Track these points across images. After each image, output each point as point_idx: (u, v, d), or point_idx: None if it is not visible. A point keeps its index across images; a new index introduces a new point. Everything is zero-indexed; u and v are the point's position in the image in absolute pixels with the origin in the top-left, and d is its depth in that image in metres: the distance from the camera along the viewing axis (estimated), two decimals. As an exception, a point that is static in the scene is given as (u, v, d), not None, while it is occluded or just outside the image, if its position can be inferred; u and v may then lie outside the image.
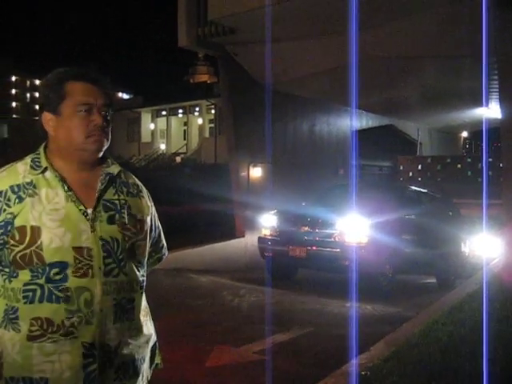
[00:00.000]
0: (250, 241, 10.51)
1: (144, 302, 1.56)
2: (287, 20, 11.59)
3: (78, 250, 1.39)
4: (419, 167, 29.03)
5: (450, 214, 9.77)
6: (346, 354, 4.12)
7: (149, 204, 1.61)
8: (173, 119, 39.64)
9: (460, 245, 9.41)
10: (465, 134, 36.30)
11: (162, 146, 39.00)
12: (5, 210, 1.40)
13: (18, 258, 1.38)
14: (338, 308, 6.43)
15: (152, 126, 40.05)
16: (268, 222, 8.37)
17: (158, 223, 1.68)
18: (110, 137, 1.50)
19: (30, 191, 1.42)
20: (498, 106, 13.68)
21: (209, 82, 40.78)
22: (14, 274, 1.40)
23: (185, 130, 39.07)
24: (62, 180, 1.45)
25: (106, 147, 1.50)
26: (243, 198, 13.59)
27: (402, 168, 29.37)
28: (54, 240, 1.38)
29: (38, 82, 71.79)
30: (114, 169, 1.54)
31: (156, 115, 40.17)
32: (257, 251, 8.62)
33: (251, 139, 13.78)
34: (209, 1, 12.11)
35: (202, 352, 4.61)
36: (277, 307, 6.43)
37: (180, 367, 4.14)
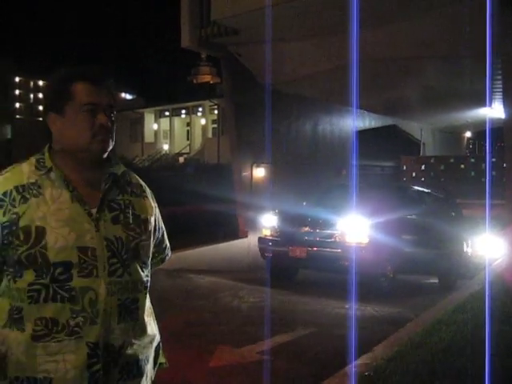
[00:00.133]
0: (252, 241, 10.50)
1: (148, 303, 1.57)
2: (289, 20, 11.61)
3: (82, 249, 1.40)
4: (422, 167, 29.00)
5: (453, 214, 9.73)
6: (348, 355, 4.12)
7: (152, 204, 1.61)
8: (176, 120, 39.67)
9: (462, 245, 9.38)
10: (468, 134, 36.24)
11: (165, 147, 39.04)
12: (9, 211, 1.40)
13: (22, 257, 1.38)
14: (340, 309, 6.42)
15: (155, 127, 40.09)
16: (268, 222, 8.35)
17: (162, 224, 1.69)
18: (114, 137, 1.51)
19: (34, 191, 1.43)
20: (502, 106, 13.66)
21: (212, 82, 40.81)
22: (19, 274, 1.40)
23: (188, 131, 39.10)
24: (67, 180, 1.45)
25: (110, 148, 1.50)
26: (246, 199, 13.61)
27: (405, 168, 29.35)
28: (58, 240, 1.38)
29: (41, 82, 72.03)
30: (118, 169, 1.54)
31: (159, 115, 40.21)
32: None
33: (254, 139, 13.81)
34: (211, 2, 12.14)
35: (205, 352, 4.62)
36: (279, 308, 6.43)
37: (182, 367, 4.15)
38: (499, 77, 12.16)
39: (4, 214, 1.40)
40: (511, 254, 8.91)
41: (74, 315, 1.38)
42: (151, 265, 1.61)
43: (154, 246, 1.63)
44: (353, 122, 21.13)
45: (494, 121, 20.06)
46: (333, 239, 7.45)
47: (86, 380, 1.38)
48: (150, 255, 1.58)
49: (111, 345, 1.41)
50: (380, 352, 4.27)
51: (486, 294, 5.35)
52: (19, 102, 71.98)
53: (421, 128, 28.60)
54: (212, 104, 34.83)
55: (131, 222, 1.50)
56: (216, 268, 9.45)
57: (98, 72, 1.50)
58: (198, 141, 37.88)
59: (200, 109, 37.41)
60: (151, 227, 1.57)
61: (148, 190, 1.63)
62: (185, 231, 11.03)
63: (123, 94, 64.02)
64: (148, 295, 1.56)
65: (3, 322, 1.41)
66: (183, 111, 38.96)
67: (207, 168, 26.77)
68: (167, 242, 1.75)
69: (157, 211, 1.64)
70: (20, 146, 33.34)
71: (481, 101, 17.98)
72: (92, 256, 1.41)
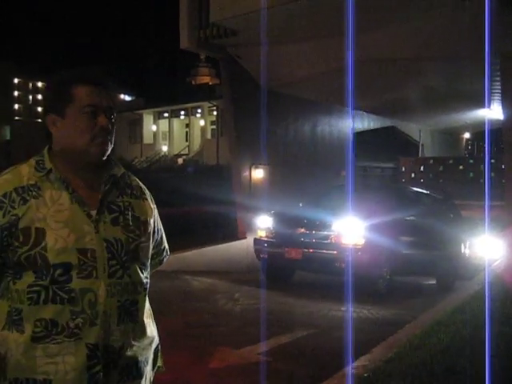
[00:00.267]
0: (251, 243, 10.52)
1: (147, 304, 1.57)
2: (288, 22, 11.62)
3: (82, 251, 1.40)
4: (421, 168, 29.05)
5: (451, 215, 9.71)
6: (347, 356, 4.12)
7: (152, 206, 1.61)
8: (175, 121, 39.70)
9: (460, 246, 9.37)
10: (467, 135, 36.29)
11: (164, 148, 39.06)
12: (9, 212, 1.40)
13: (22, 259, 1.38)
14: (337, 311, 6.41)
15: (154, 128, 40.11)
16: (264, 223, 8.30)
17: (160, 226, 1.69)
18: (113, 140, 1.51)
19: (34, 193, 1.43)
20: (501, 107, 13.67)
21: (210, 83, 40.87)
22: (18, 276, 1.40)
23: (187, 132, 39.13)
24: (66, 182, 1.45)
25: (109, 150, 1.50)
26: (245, 200, 13.60)
27: (404, 169, 29.38)
28: (58, 241, 1.38)
29: (40, 84, 72.06)
30: (118, 171, 1.54)
31: (158, 117, 40.24)
32: (258, 253, 8.59)
33: (253, 141, 13.80)
34: (210, 3, 12.14)
35: (204, 354, 4.62)
36: (277, 309, 6.43)
37: (182, 369, 4.15)
38: (498, 78, 12.19)
39: (4, 215, 1.40)
40: (510, 256, 8.92)
41: (74, 317, 1.38)
42: (150, 266, 1.61)
43: (153, 248, 1.63)
44: (352, 124, 21.16)
45: (492, 122, 20.09)
46: (329, 241, 7.41)
47: (86, 381, 1.38)
48: (150, 257, 1.58)
49: (111, 346, 1.41)
50: (378, 353, 4.27)
51: (486, 294, 5.36)
52: (18, 103, 72.01)
53: (419, 129, 28.63)
54: (211, 105, 34.87)
55: (131, 223, 1.50)
56: (215, 269, 9.45)
57: (98, 74, 1.50)
58: (196, 142, 37.91)
59: (199, 110, 37.45)
60: (150, 229, 1.57)
61: (147, 192, 1.63)
62: (184, 232, 11.04)
63: (122, 95, 64.05)
64: (147, 297, 1.56)
65: (2, 323, 1.41)
66: (182, 112, 39.00)
67: (206, 169, 26.79)
68: (166, 243, 1.76)
69: (156, 213, 1.64)
70: (19, 148, 33.34)
71: (480, 102, 18.00)
72: (91, 257, 1.41)
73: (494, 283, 6.71)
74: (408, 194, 9.69)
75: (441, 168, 28.55)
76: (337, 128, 19.01)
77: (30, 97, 73.51)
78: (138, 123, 40.12)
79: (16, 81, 71.52)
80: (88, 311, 1.38)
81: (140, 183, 1.63)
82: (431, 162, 29.20)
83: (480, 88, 12.74)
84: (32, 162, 1.49)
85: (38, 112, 66.58)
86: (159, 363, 1.63)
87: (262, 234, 8.27)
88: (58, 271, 1.38)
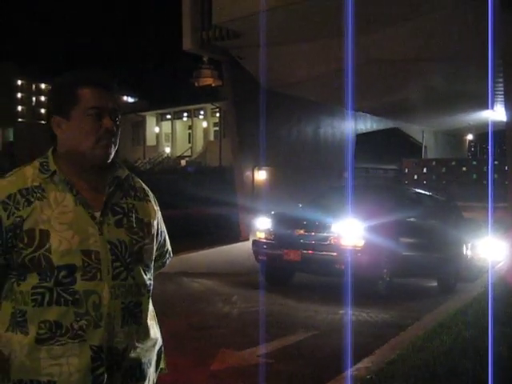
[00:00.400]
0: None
1: (151, 306, 1.57)
2: (290, 23, 11.62)
3: (86, 253, 1.40)
4: (424, 170, 28.97)
5: (453, 216, 9.66)
6: (349, 358, 4.12)
7: (155, 208, 1.62)
8: (177, 123, 39.72)
9: (462, 248, 9.31)
10: (470, 136, 36.21)
11: (167, 150, 39.08)
12: (13, 214, 1.40)
13: (26, 261, 1.39)
14: (337, 313, 6.40)
15: (157, 130, 40.14)
16: (262, 224, 8.23)
17: (164, 228, 1.69)
18: (118, 142, 1.52)
19: (38, 195, 1.43)
20: (503, 109, 13.65)
21: (213, 85, 40.86)
22: (22, 278, 1.41)
23: (189, 134, 39.15)
24: (71, 183, 1.46)
25: (113, 153, 1.50)
26: (248, 201, 13.60)
27: (406, 171, 29.32)
28: (62, 243, 1.39)
29: (43, 85, 72.21)
30: (122, 173, 1.55)
31: (161, 119, 40.27)
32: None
33: (255, 142, 13.80)
34: (213, 5, 12.16)
35: (207, 355, 4.62)
36: (278, 311, 6.44)
37: (185, 370, 4.16)
38: (501, 79, 12.16)
39: (8, 217, 1.40)
40: (513, 257, 8.89)
41: (78, 318, 1.38)
42: (153, 268, 1.62)
43: (156, 250, 1.63)
44: (354, 125, 21.15)
45: (495, 123, 20.06)
46: (328, 242, 7.34)
47: (90, 383, 1.38)
48: (153, 259, 1.59)
49: (115, 348, 1.41)
50: (381, 355, 4.27)
51: (489, 296, 5.35)
52: (21, 105, 72.17)
53: (422, 131, 28.56)
54: (214, 107, 34.89)
55: (134, 225, 1.50)
56: (217, 271, 9.46)
57: (103, 76, 1.51)
58: (199, 144, 37.93)
59: (202, 112, 37.46)
60: (154, 231, 1.58)
61: (151, 194, 1.64)
62: (186, 234, 11.04)
63: (125, 97, 64.14)
64: (151, 299, 1.57)
65: (6, 325, 1.41)
66: (185, 114, 39.03)
67: (209, 171, 26.80)
68: (169, 245, 1.76)
69: (159, 215, 1.64)
70: (22, 149, 33.40)
71: (482, 103, 17.97)
72: (96, 259, 1.41)
73: (497, 285, 6.69)
74: (409, 195, 9.64)
75: (444, 169, 28.47)
76: (340, 129, 19.00)
77: (33, 98, 73.65)
78: (140, 125, 40.17)
79: (19, 82, 71.70)
80: (92, 313, 1.39)
81: (143, 185, 1.63)
82: (434, 163, 29.12)
83: (482, 89, 12.71)
84: (36, 163, 1.49)
85: (41, 114, 66.72)
86: (162, 365, 1.64)
87: (260, 235, 8.18)
88: (62, 273, 1.38)
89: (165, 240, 1.72)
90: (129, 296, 1.45)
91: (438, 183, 26.79)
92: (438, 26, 11.57)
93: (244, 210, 13.57)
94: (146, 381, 1.52)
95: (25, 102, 72.72)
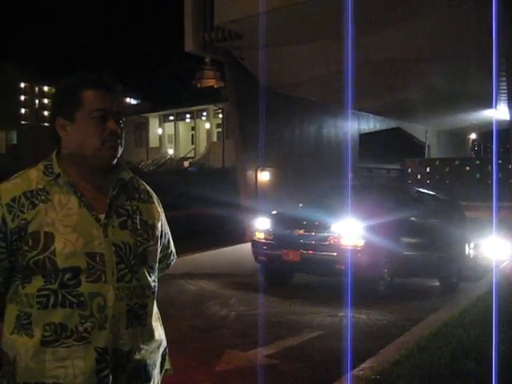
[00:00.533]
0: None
1: (155, 308, 1.57)
2: (291, 24, 11.63)
3: (90, 255, 1.41)
4: (427, 169, 28.93)
5: (456, 216, 9.58)
6: (355, 358, 4.12)
7: (159, 210, 1.62)
8: (180, 124, 39.77)
9: (464, 247, 9.25)
10: (473, 135, 36.14)
11: (170, 151, 39.13)
12: (18, 216, 1.41)
13: (31, 263, 1.39)
14: (338, 314, 6.37)
15: (160, 131, 40.20)
16: (262, 225, 8.18)
17: (167, 229, 1.69)
18: (123, 143, 1.52)
19: (43, 197, 1.43)
20: (507, 108, 13.62)
21: (216, 86, 40.88)
22: (27, 280, 1.41)
23: (192, 135, 39.19)
24: (75, 186, 1.46)
25: (119, 154, 1.51)
26: (251, 202, 13.61)
27: (410, 171, 29.28)
28: (67, 245, 1.39)
29: (46, 88, 72.45)
30: (126, 175, 1.55)
31: (163, 120, 40.33)
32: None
33: (258, 143, 13.81)
34: (215, 6, 12.18)
35: (212, 356, 4.62)
36: (281, 312, 6.44)
37: (190, 371, 4.16)
38: (504, 78, 12.14)
39: (13, 219, 1.40)
40: (518, 256, 8.87)
41: (83, 321, 1.38)
42: (157, 270, 1.62)
43: (160, 252, 1.63)
44: (357, 125, 21.14)
45: (499, 122, 20.01)
46: (328, 242, 7.29)
47: (95, 385, 1.38)
48: (157, 260, 1.59)
49: (120, 350, 1.42)
50: (386, 355, 4.26)
51: (493, 295, 5.33)
52: (24, 107, 72.43)
53: (425, 130, 28.52)
54: (216, 108, 34.92)
55: (139, 227, 1.51)
56: (220, 272, 9.45)
57: (107, 79, 1.51)
58: (202, 145, 37.98)
59: (204, 113, 37.50)
60: (158, 233, 1.58)
61: (154, 196, 1.64)
62: (190, 235, 11.05)
63: (128, 99, 64.28)
64: (155, 300, 1.57)
65: (11, 327, 1.42)
66: (188, 115, 39.08)
67: (212, 172, 26.82)
68: (172, 247, 1.76)
69: (163, 217, 1.64)
70: (26, 152, 33.50)
71: (486, 102, 17.93)
72: (100, 262, 1.41)
73: (501, 284, 6.67)
74: (410, 194, 9.59)
75: (447, 169, 28.42)
76: (342, 130, 18.99)
77: (37, 101, 73.91)
78: (143, 127, 40.25)
79: (22, 85, 71.96)
80: (97, 315, 1.39)
81: (147, 187, 1.63)
82: (437, 163, 29.07)
83: (484, 88, 12.69)
84: (40, 166, 1.49)
85: (44, 116, 66.94)
86: (167, 366, 1.64)
87: (260, 235, 8.12)
88: (67, 275, 1.38)
89: (169, 241, 1.72)
90: (133, 298, 1.45)
91: (442, 183, 26.75)
92: (438, 26, 11.55)
93: (247, 210, 13.57)
94: (151, 382, 1.52)
95: (28, 104, 72.99)
